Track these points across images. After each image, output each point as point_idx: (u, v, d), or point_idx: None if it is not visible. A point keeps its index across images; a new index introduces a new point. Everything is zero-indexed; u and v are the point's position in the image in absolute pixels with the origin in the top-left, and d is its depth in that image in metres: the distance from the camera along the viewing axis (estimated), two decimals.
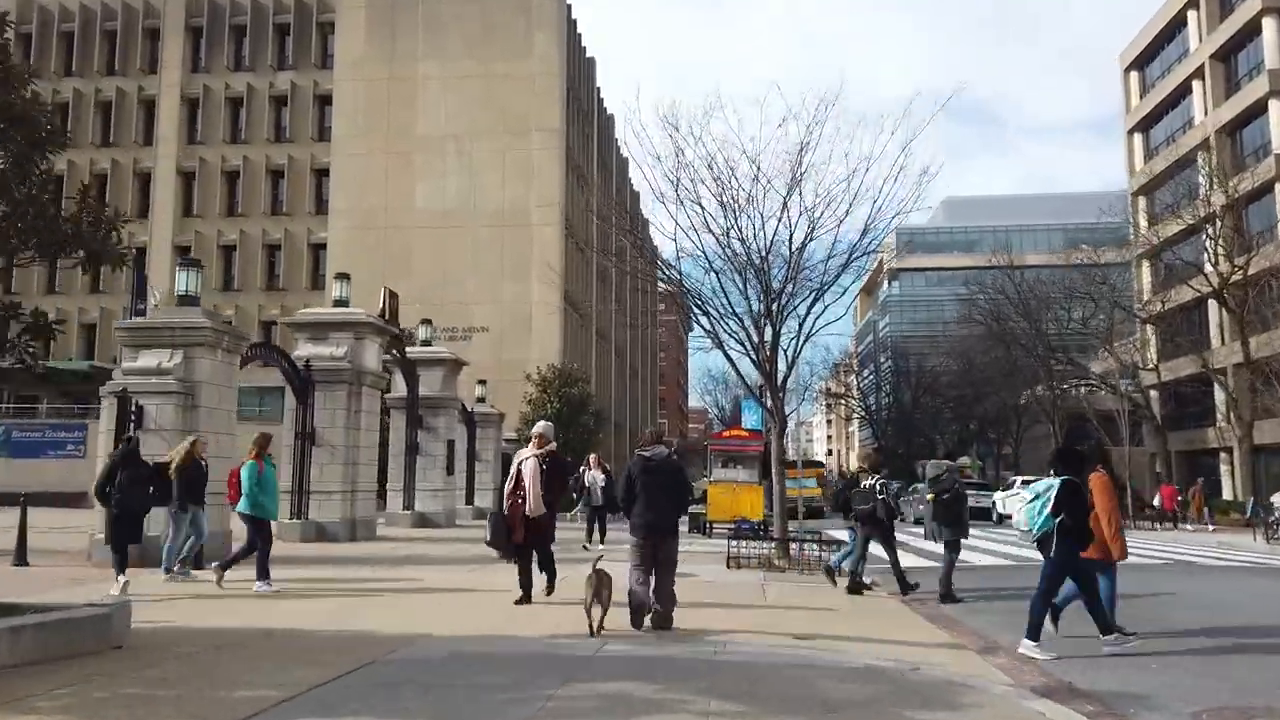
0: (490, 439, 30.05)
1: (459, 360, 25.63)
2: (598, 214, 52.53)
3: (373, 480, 19.56)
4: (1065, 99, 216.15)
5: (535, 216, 42.62)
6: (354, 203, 43.51)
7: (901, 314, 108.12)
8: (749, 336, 14.96)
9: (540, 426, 9.78)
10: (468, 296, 42.36)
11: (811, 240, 14.58)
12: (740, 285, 14.75)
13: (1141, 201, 50.00)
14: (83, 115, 45.62)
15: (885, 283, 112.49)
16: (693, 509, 23.84)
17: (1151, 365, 43.14)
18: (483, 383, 30.96)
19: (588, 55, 53.14)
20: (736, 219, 14.40)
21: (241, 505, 10.73)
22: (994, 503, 36.29)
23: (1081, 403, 53.82)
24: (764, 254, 14.56)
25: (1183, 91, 47.84)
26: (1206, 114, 45.03)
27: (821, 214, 14.41)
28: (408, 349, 24.26)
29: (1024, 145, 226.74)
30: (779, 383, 14.99)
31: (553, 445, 9.60)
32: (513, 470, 9.39)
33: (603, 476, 17.68)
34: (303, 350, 18.82)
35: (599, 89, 56.00)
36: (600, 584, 7.36)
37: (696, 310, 15.56)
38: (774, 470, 15.40)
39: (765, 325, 14.62)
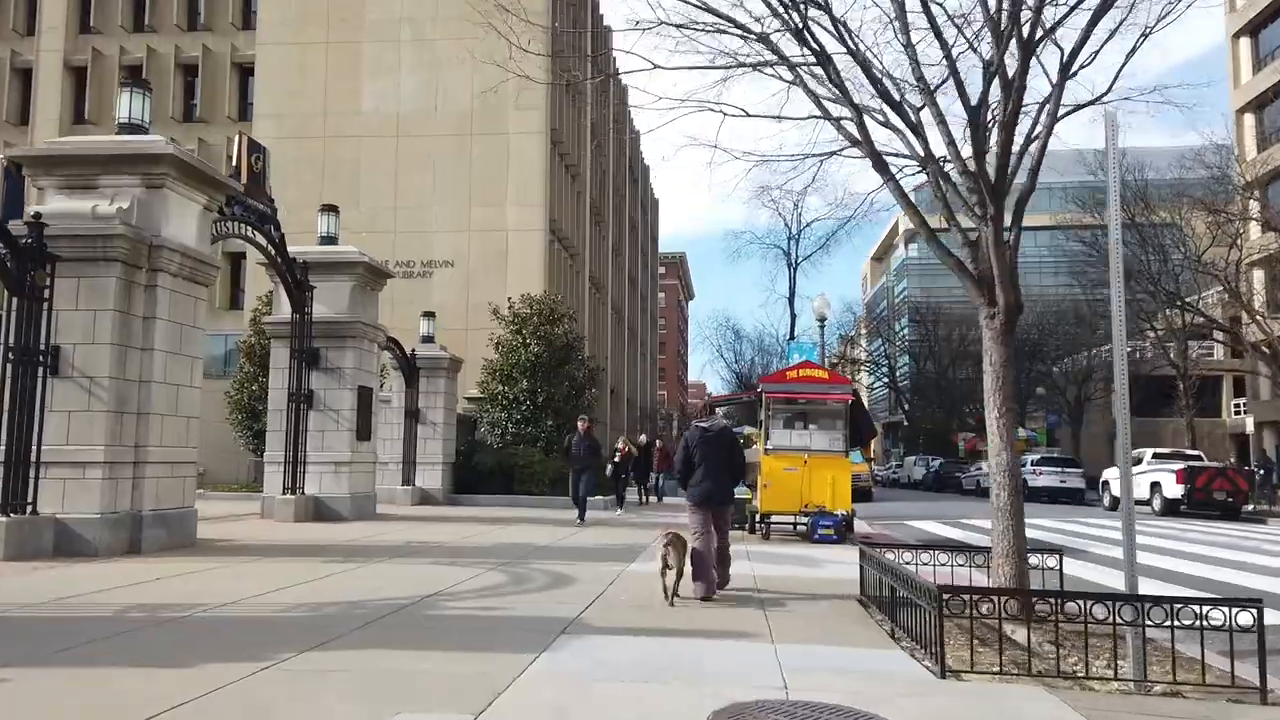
0: (439, 392, 21.54)
1: (378, 268, 17.03)
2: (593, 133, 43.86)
3: (184, 441, 11.05)
4: None
5: (513, 123, 33.90)
6: (285, 106, 34.72)
7: (921, 279, 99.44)
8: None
9: None
10: (428, 224, 33.74)
11: None
12: None
13: (1248, 120, 41.45)
14: None
15: (901, 245, 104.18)
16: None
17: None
18: (430, 315, 22.37)
19: None
20: None
21: None
22: (1105, 482, 27.83)
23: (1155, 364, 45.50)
24: None
25: None
26: None
27: None
28: (303, 253, 15.74)
29: None
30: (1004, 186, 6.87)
31: None
32: None
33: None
34: (50, 205, 10.27)
35: None
36: (673, 550, 7.23)
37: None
38: (997, 422, 7.07)
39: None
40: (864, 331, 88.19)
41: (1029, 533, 17.26)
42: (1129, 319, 41.49)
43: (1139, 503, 25.80)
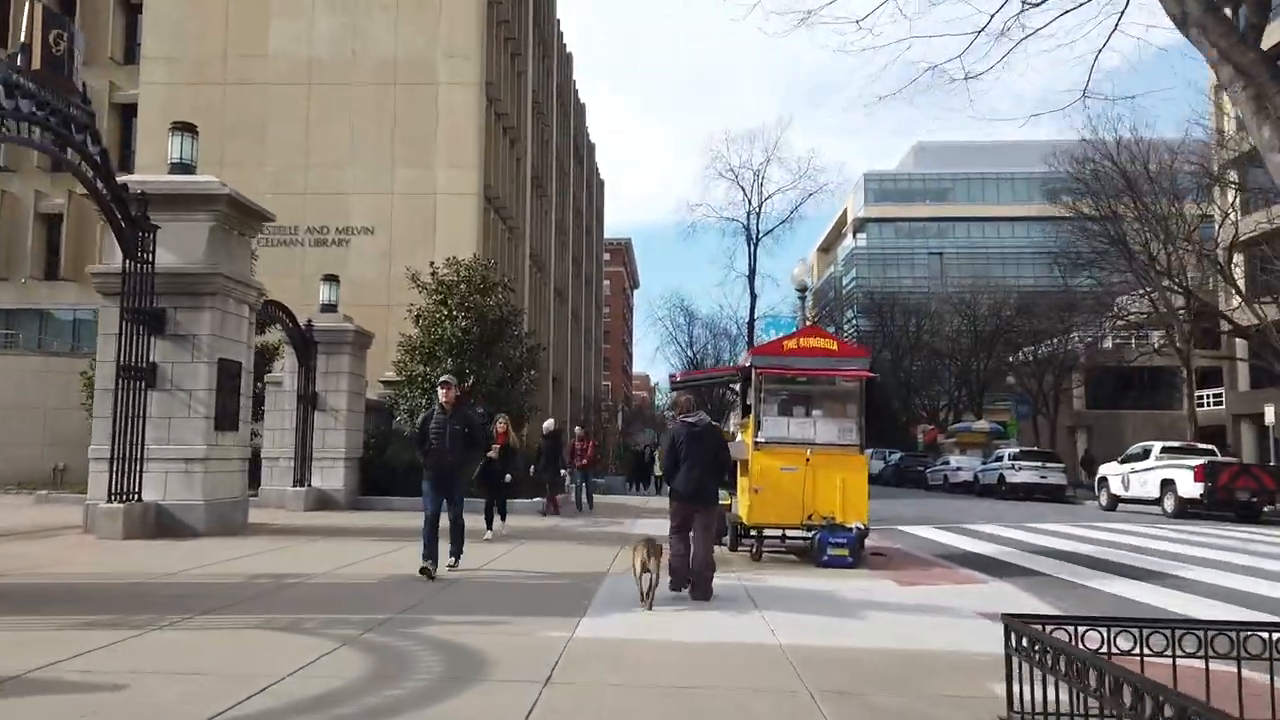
0: (342, 372, 17.68)
1: (248, 206, 13.07)
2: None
3: None
4: None
5: (443, 72, 29.95)
6: (178, 48, 30.21)
7: (871, 268, 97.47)
8: None
9: None
10: (344, 184, 29.61)
11: None
12: None
13: (1226, 97, 39.34)
14: None
15: (850, 235, 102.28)
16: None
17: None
18: (332, 279, 18.44)
19: None
20: None
21: None
22: (1102, 479, 25.11)
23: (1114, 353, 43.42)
24: None
25: None
26: None
27: None
28: (141, 182, 11.83)
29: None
30: None
31: None
32: None
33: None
34: None
35: None
36: (649, 554, 7.00)
37: None
38: None
39: None
40: (810, 320, 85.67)
41: (1043, 540, 14.08)
42: (1104, 305, 39.46)
43: (1146, 502, 23.12)
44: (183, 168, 12.69)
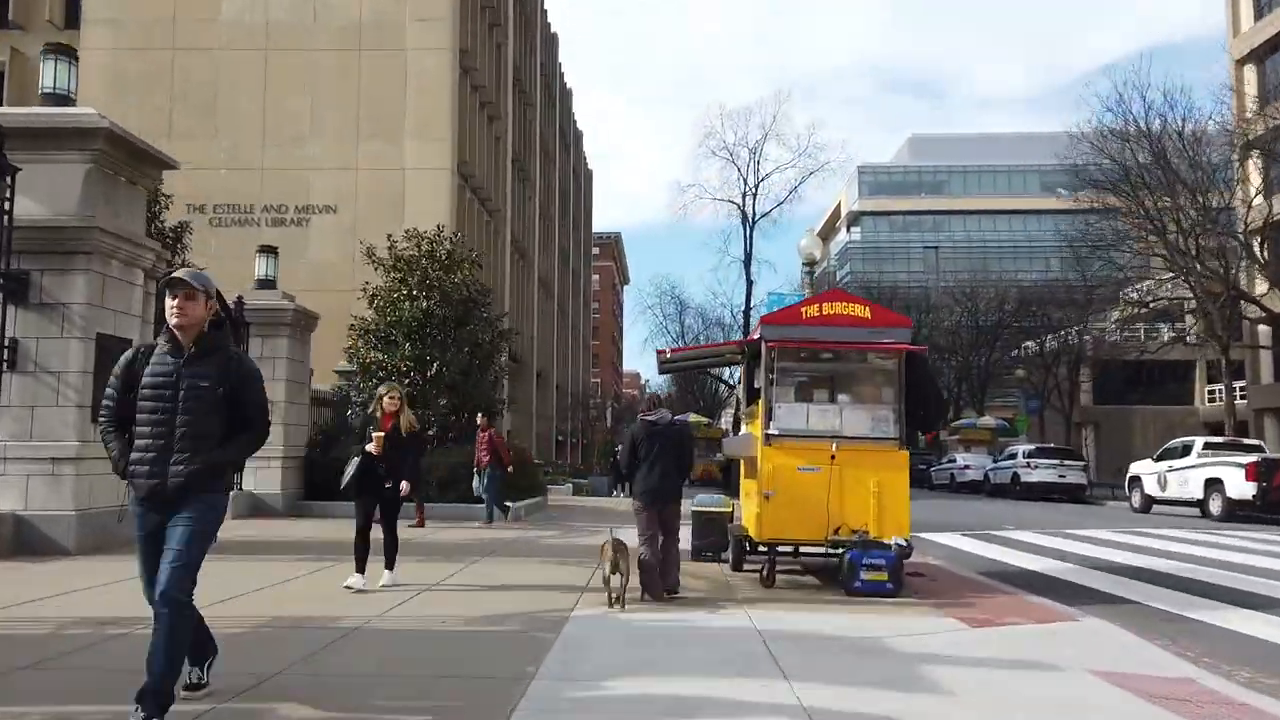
0: (279, 358, 15.24)
1: (137, 145, 10.59)
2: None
3: None
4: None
5: (412, 37, 27.55)
6: (123, 9, 27.73)
7: (865, 262, 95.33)
8: None
9: None
10: (304, 160, 27.19)
11: None
12: None
13: (1249, 73, 37.22)
14: None
15: (844, 229, 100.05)
16: (704, 503, 10.10)
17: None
18: (269, 251, 16.00)
19: None
20: None
21: None
22: (1134, 478, 22.90)
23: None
24: None
25: None
26: None
27: None
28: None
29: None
30: None
31: None
32: None
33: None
34: None
35: None
36: (617, 554, 6.79)
37: None
38: None
39: None
40: None
41: (1097, 552, 11.78)
42: (1117, 292, 37.15)
43: (1186, 504, 20.90)
44: (56, 99, 10.27)
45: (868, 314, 8.54)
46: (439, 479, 15.59)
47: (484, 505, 14.64)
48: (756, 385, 9.07)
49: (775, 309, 15.05)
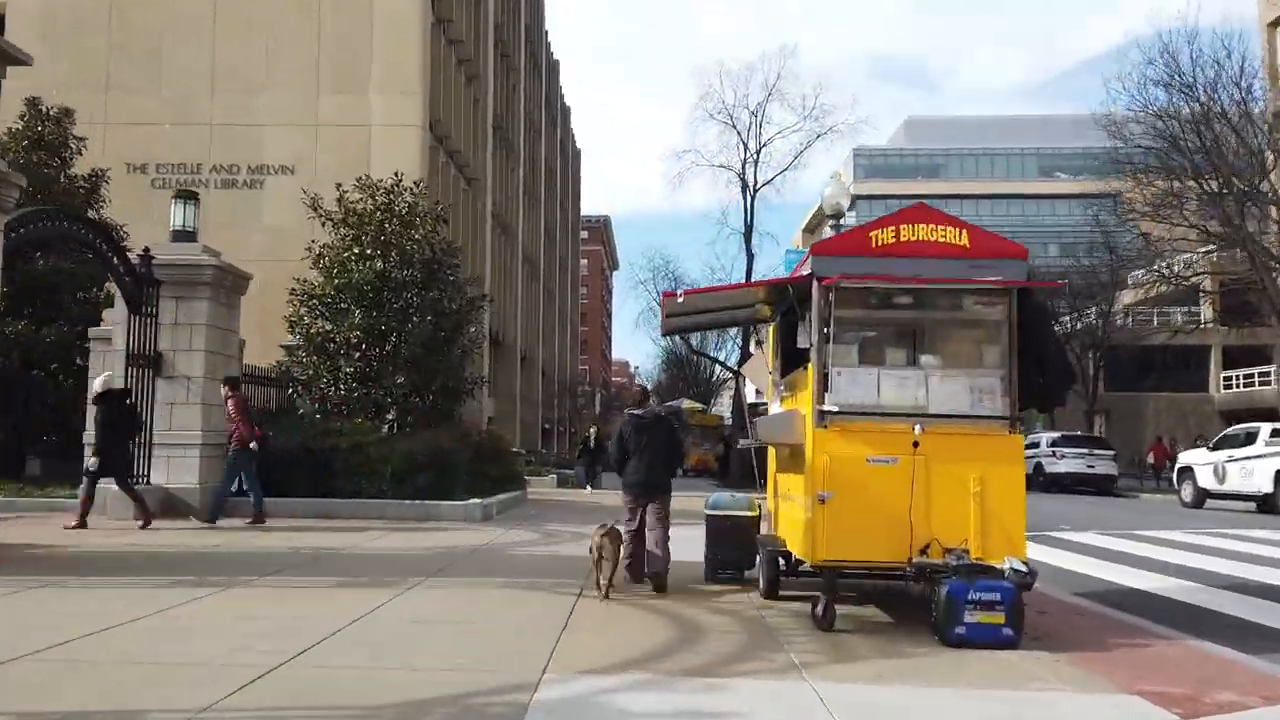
0: (199, 324, 12.54)
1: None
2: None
3: None
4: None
5: None
6: None
7: None
8: None
9: None
10: (258, 115, 24.41)
11: None
12: None
13: None
14: None
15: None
16: (722, 505, 7.30)
17: None
18: (188, 196, 13.22)
19: None
20: None
21: None
22: (1185, 469, 20.51)
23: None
24: None
25: None
26: None
27: None
28: None
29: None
30: None
31: None
32: None
33: None
34: None
35: None
36: (605, 540, 6.69)
37: None
38: None
39: None
40: None
41: (1192, 560, 9.42)
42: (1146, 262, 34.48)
43: (1248, 498, 18.54)
44: None
45: (965, 240, 5.97)
46: (396, 469, 13.00)
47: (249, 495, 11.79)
48: (800, 344, 6.51)
49: (790, 269, 12.47)
